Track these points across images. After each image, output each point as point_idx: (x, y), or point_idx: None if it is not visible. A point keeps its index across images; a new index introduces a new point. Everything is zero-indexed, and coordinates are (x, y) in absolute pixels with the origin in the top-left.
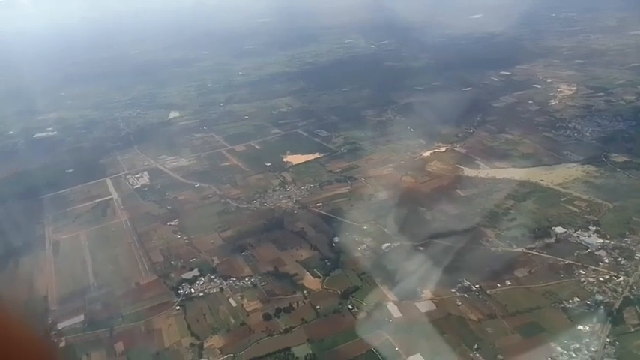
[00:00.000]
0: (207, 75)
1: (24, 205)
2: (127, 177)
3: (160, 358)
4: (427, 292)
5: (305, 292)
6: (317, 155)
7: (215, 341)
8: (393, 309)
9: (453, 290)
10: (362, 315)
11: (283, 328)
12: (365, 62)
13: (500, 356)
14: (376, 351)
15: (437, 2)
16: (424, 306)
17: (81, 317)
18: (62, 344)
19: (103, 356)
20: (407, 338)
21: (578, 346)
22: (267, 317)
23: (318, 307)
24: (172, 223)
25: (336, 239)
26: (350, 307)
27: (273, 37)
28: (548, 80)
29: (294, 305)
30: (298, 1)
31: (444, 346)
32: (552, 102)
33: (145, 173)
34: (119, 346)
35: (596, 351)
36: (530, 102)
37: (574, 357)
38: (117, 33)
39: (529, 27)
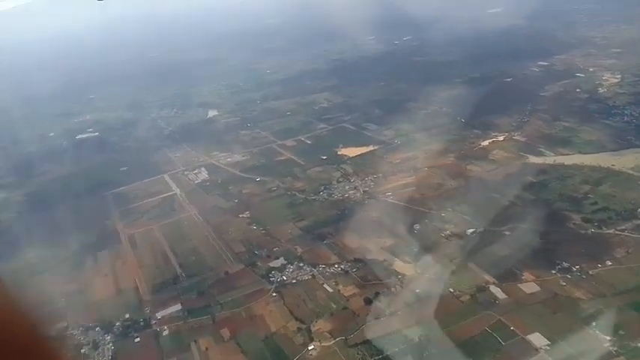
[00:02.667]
0: (234, 74)
1: (87, 202)
2: (185, 173)
3: (270, 342)
4: (527, 275)
5: (399, 277)
6: (371, 147)
7: (321, 325)
8: (496, 291)
9: (554, 272)
10: (466, 298)
11: (389, 311)
12: (393, 58)
13: (621, 332)
14: (491, 331)
15: None
16: (528, 287)
17: (178, 306)
18: (166, 332)
19: (210, 342)
20: (519, 318)
21: None
22: (368, 301)
23: (417, 291)
24: (244, 215)
25: (417, 226)
26: (451, 290)
27: (289, 36)
28: (591, 69)
29: (393, 290)
30: (304, 1)
31: (561, 324)
32: (601, 90)
33: (203, 169)
34: (225, 332)
35: None
36: (577, 90)
37: None
38: (127, 37)
39: (554, 19)
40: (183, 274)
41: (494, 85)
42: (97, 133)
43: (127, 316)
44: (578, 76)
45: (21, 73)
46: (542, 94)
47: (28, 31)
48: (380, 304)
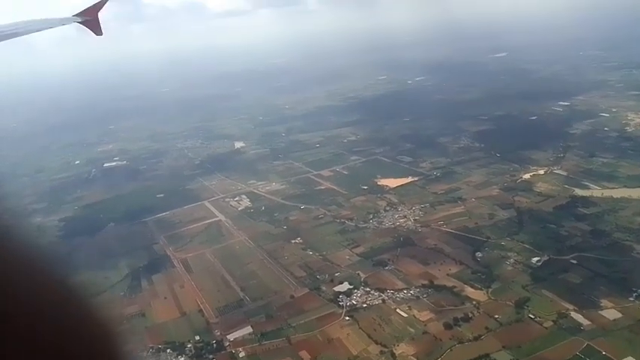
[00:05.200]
0: (251, 109)
1: (129, 227)
2: (226, 200)
3: None
4: (605, 302)
5: (474, 303)
6: (411, 179)
7: (404, 349)
8: (578, 317)
9: (631, 299)
10: (548, 323)
11: (472, 336)
12: (410, 96)
13: None
14: (583, 356)
15: (452, 43)
16: (610, 314)
17: (249, 329)
18: (242, 354)
19: None
20: (609, 343)
21: None
22: (448, 326)
23: (496, 316)
24: (296, 241)
25: (479, 254)
26: (531, 316)
27: (298, 75)
28: (613, 109)
29: (470, 315)
30: (305, 42)
31: None
32: (628, 129)
33: (243, 196)
34: (304, 355)
35: None
36: (605, 129)
37: None
38: (130, 75)
39: (561, 63)
40: (247, 298)
41: (521, 122)
42: (124, 162)
43: (197, 338)
44: (603, 116)
45: (34, 106)
46: (571, 131)
47: (33, 66)
48: (461, 329)
